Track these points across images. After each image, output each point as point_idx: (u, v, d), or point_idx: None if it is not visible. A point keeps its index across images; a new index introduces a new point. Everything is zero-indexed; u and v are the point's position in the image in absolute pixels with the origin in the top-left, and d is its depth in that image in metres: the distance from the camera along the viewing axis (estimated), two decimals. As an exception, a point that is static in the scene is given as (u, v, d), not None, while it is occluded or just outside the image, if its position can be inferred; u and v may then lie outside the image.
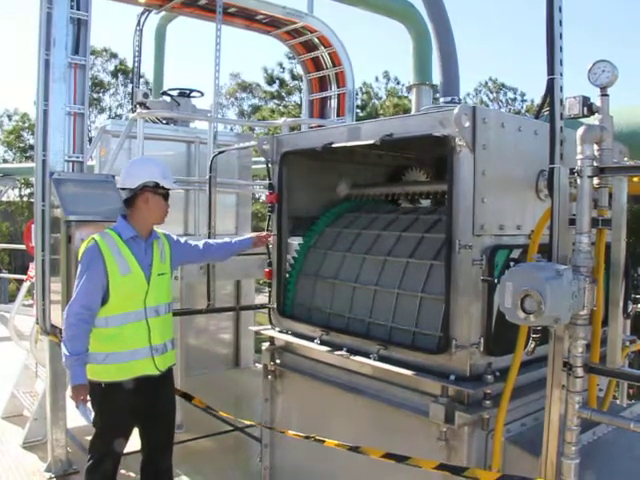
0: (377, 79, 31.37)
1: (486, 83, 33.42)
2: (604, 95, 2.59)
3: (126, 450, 3.59)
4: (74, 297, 3.37)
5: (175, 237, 3.85)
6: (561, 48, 2.53)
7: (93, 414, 3.37)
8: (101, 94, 31.17)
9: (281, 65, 29.38)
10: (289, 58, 27.55)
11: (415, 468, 2.88)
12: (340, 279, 3.81)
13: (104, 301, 3.38)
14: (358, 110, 24.86)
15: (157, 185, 3.52)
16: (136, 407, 3.48)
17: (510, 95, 33.34)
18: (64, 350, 3.34)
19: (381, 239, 3.77)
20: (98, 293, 3.36)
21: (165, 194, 3.59)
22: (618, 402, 3.90)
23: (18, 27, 58.18)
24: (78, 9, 4.87)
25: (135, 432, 3.65)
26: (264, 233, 4.21)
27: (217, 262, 5.35)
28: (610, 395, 3.39)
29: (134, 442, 3.66)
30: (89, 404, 3.39)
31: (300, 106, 13.09)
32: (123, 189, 3.57)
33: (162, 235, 3.73)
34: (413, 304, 3.31)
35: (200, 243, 4.03)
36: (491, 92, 33.51)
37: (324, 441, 3.27)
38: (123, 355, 3.40)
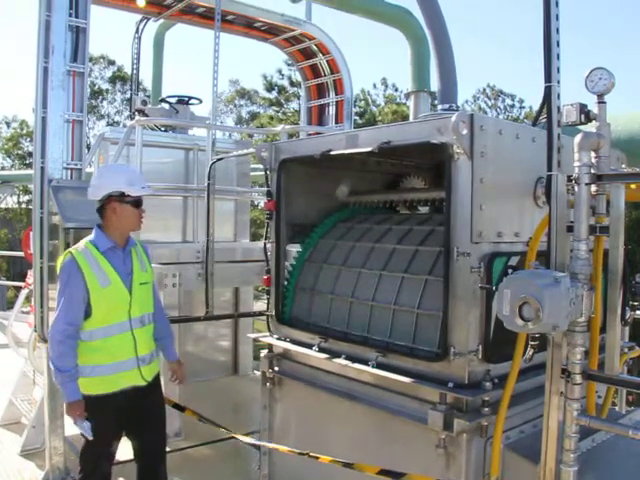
0: (375, 86, 31.54)
1: (484, 90, 33.53)
2: (601, 102, 2.61)
3: (123, 458, 3.57)
4: (57, 315, 3.31)
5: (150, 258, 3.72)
6: (558, 56, 2.54)
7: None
8: (99, 101, 31.26)
9: (280, 72, 29.54)
10: (288, 65, 27.67)
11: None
12: (336, 294, 3.81)
13: (87, 314, 3.32)
14: (356, 117, 24.95)
15: (123, 194, 3.42)
16: (126, 414, 3.45)
17: (508, 102, 33.44)
18: (53, 368, 3.29)
19: (376, 252, 3.76)
20: (80, 308, 3.30)
21: (135, 201, 3.48)
22: (617, 409, 3.89)
23: (17, 34, 58.42)
24: (77, 17, 4.87)
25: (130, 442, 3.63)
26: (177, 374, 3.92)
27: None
28: (609, 402, 3.38)
29: (130, 450, 3.65)
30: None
31: (299, 113, 13.11)
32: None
33: (140, 246, 3.65)
34: (409, 320, 3.31)
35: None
36: (489, 99, 33.60)
37: (318, 457, 3.26)
38: (109, 367, 3.36)
